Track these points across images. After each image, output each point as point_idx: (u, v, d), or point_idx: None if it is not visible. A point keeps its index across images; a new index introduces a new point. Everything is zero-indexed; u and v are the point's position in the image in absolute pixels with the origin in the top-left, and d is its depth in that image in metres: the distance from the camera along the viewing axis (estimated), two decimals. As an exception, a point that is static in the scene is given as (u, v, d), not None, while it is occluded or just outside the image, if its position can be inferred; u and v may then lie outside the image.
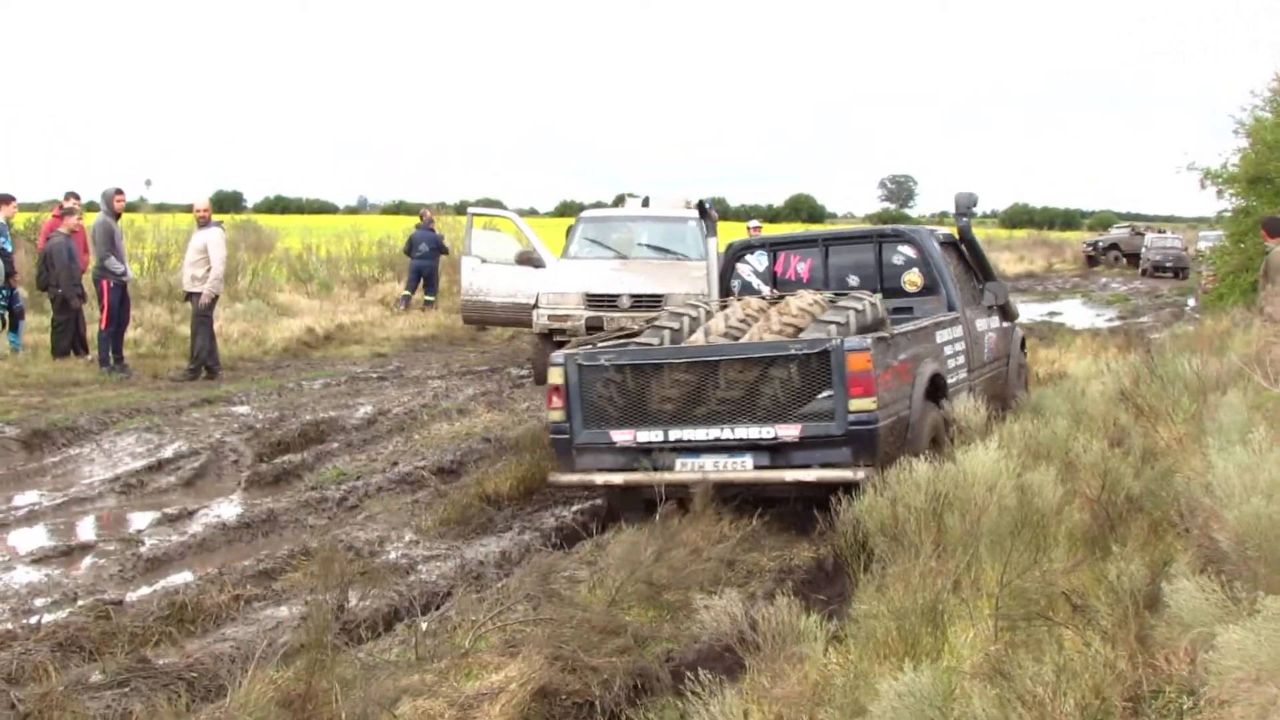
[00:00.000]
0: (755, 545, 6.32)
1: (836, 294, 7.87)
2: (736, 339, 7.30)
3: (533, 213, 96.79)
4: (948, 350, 7.85)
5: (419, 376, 13.98)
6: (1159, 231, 48.75)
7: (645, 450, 6.78)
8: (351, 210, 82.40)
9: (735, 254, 9.17)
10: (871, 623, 4.18)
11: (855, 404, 6.36)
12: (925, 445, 6.71)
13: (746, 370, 6.65)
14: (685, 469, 6.71)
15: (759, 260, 9.05)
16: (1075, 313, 24.61)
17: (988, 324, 9.03)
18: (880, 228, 9.07)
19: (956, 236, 9.12)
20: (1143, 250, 42.88)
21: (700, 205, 9.61)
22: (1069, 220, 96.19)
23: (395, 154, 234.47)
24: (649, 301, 12.48)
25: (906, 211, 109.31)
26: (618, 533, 6.50)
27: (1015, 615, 4.17)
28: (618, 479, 6.83)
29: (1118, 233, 48.62)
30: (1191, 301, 28.27)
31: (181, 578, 6.27)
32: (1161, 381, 7.41)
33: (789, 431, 6.52)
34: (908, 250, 8.60)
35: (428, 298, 20.87)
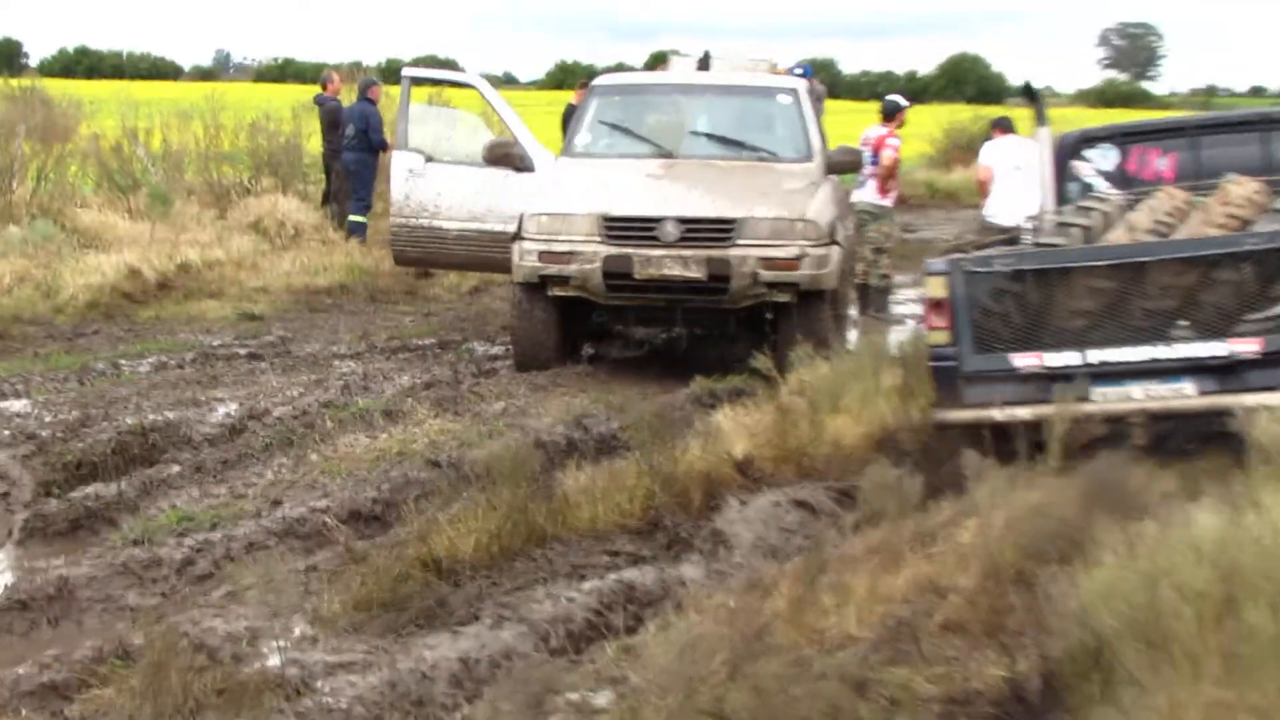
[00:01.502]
0: (902, 652, 6.18)
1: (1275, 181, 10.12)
2: (1165, 236, 9.46)
3: (510, 82, 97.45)
4: None
5: (318, 355, 14.00)
6: None
7: (1056, 377, 8.70)
8: (205, 75, 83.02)
9: (1072, 148, 11.34)
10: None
11: None
12: None
13: (1185, 273, 8.62)
14: (1105, 398, 8.67)
15: (1104, 156, 11.23)
16: None
17: None
18: (1270, 111, 11.44)
19: None
20: None
21: (1027, 87, 12.16)
22: None
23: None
24: (712, 231, 12.48)
25: (1146, 87, 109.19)
26: (663, 628, 6.39)
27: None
28: (1025, 413, 8.62)
29: None
30: None
31: (-92, 695, 6.24)
32: None
33: (1246, 347, 8.41)
34: None
35: (354, 218, 20.82)
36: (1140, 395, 8.60)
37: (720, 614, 6.19)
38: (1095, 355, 8.67)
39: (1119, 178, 11.01)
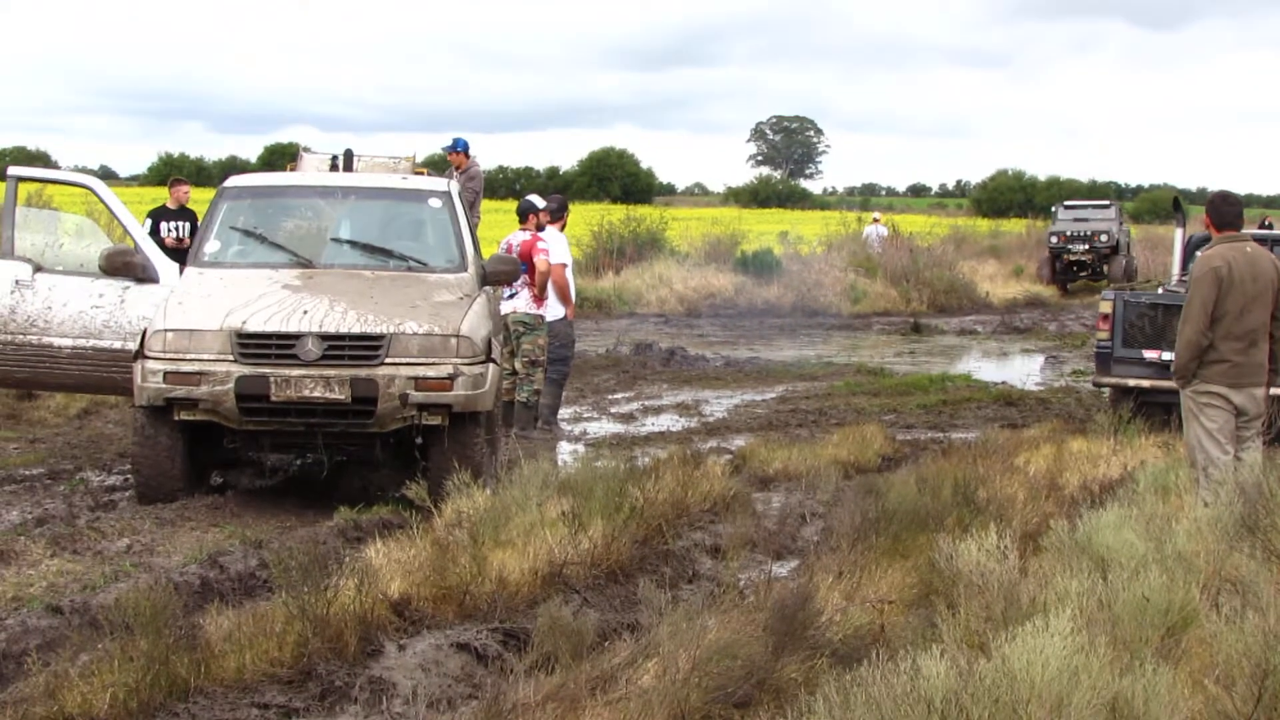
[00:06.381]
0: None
1: None
2: None
3: (109, 177, 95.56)
4: None
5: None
6: None
7: (1166, 365, 14.78)
8: None
9: (1198, 243, 17.86)
10: None
11: None
12: None
13: None
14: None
15: None
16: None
17: None
18: None
19: None
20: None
21: (1176, 201, 21.21)
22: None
23: None
24: (357, 349, 12.33)
25: (804, 185, 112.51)
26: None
27: None
28: (1145, 383, 16.78)
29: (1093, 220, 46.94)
30: None
31: None
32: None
33: None
34: None
35: None
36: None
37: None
38: None
39: None
